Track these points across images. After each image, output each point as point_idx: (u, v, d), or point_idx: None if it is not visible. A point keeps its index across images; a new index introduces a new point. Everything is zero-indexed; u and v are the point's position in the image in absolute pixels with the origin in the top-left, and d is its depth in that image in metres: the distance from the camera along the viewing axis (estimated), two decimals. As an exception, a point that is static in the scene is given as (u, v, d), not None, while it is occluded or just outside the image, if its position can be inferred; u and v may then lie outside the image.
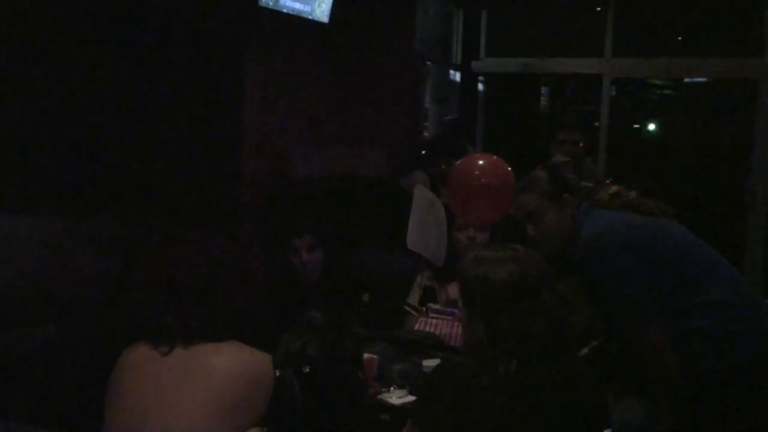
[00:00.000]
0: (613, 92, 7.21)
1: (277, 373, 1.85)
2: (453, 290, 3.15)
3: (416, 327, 3.06)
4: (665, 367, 2.37)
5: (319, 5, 4.60)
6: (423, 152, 4.99)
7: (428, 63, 7.18)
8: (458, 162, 3.50)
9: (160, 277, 2.00)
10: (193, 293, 1.96)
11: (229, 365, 1.88)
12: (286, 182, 4.50)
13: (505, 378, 1.86)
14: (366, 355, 2.42)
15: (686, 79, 8.11)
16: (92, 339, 2.12)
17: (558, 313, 1.95)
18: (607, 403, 1.96)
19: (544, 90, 8.46)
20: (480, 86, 7.55)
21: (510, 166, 3.27)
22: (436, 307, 3.14)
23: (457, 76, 7.56)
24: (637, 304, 2.39)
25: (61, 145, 3.63)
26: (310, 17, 4.57)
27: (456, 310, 3.07)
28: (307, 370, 1.80)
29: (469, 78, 7.43)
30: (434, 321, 3.06)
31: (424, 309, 3.13)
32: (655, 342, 2.37)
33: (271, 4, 4.23)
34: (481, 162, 3.31)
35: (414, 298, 3.29)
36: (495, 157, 3.37)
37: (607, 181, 4.66)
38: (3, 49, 3.43)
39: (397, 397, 2.43)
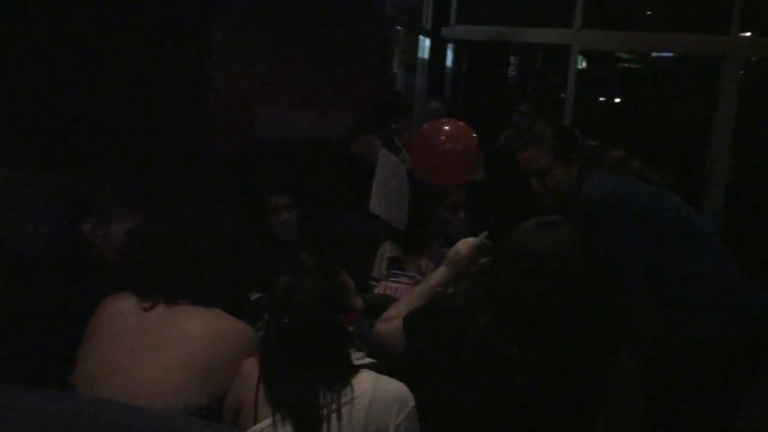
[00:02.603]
0: (582, 64, 7.24)
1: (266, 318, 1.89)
2: (424, 264, 3.16)
3: (376, 291, 3.06)
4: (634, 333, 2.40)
5: (288, -36, 4.54)
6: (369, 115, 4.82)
7: (398, 28, 7.13)
8: (425, 127, 3.50)
9: (158, 237, 2.02)
10: (188, 257, 1.98)
11: (205, 330, 1.89)
12: (253, 144, 4.46)
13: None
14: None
15: (653, 54, 8.16)
16: (45, 293, 2.10)
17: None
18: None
19: (513, 59, 8.46)
20: (449, 53, 7.53)
21: (476, 134, 3.28)
22: (398, 271, 3.15)
23: (426, 42, 7.53)
24: (627, 269, 2.43)
25: (17, 96, 3.54)
26: (279, -24, 4.51)
27: (416, 275, 3.09)
28: (287, 320, 1.82)
29: (439, 44, 7.40)
30: (394, 285, 3.07)
31: (384, 273, 3.14)
32: (634, 310, 2.41)
33: (239, -39, 4.16)
34: (447, 128, 3.32)
35: (378, 270, 3.29)
36: (461, 123, 3.38)
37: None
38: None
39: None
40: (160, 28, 4.09)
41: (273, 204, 3.16)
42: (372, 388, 1.78)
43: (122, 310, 1.93)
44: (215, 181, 4.24)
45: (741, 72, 6.71)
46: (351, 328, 1.92)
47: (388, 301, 2.93)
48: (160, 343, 1.86)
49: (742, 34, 6.70)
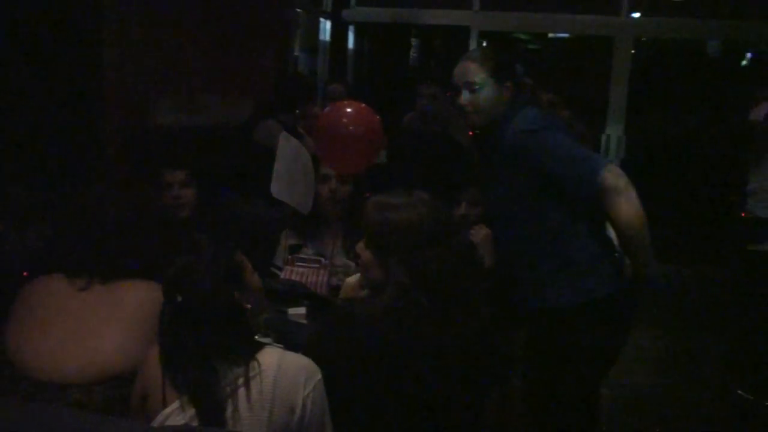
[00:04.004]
0: (482, 45, 7.35)
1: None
2: (319, 246, 3.16)
3: (282, 276, 3.05)
4: (628, 202, 2.41)
5: (182, -55, 4.42)
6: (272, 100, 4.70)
7: (298, 10, 7.06)
8: (326, 110, 3.48)
9: (85, 217, 2.10)
10: (115, 233, 2.06)
11: (142, 300, 1.99)
12: (152, 130, 4.35)
13: (425, 319, 1.91)
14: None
15: (550, 35, 8.36)
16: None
17: (469, 257, 2.00)
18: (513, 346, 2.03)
19: (414, 41, 8.51)
20: (351, 35, 7.52)
21: (378, 116, 3.29)
22: (303, 256, 3.14)
23: (327, 25, 7.49)
24: (584, 156, 2.49)
25: None
26: (173, -43, 4.39)
27: (322, 259, 3.09)
28: (180, 299, 1.81)
29: (340, 27, 7.37)
30: (300, 270, 3.06)
31: (289, 258, 3.12)
32: (612, 179, 2.42)
33: (130, -59, 4.02)
34: (349, 110, 3.31)
35: (280, 259, 3.26)
36: (363, 105, 3.38)
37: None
38: None
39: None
40: (50, 10, 3.93)
41: (166, 180, 3.14)
42: (278, 362, 1.79)
43: (55, 292, 2.00)
44: (113, 168, 4.12)
45: (632, 51, 6.95)
46: (248, 306, 1.91)
47: (295, 287, 2.93)
48: (102, 316, 1.96)
49: (633, 15, 6.94)
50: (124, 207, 2.13)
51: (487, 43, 6.99)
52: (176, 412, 1.73)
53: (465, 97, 2.67)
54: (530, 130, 2.53)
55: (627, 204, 2.41)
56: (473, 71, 2.66)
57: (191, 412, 1.72)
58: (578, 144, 2.55)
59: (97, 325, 1.95)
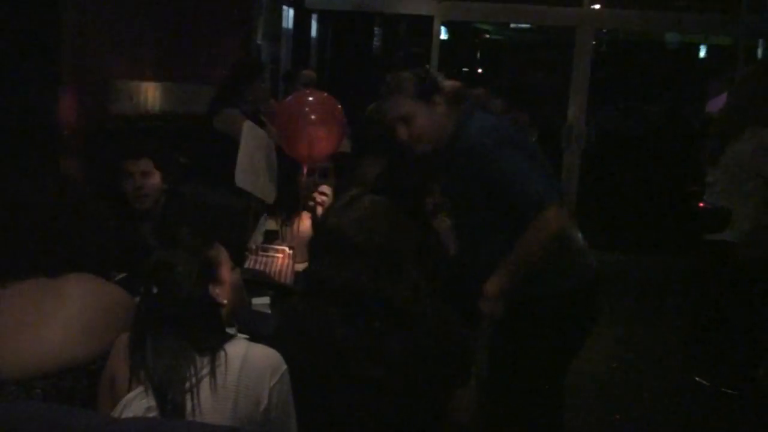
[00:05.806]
0: (445, 35, 7.37)
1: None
2: (291, 233, 3.15)
3: (246, 265, 3.04)
4: (540, 240, 2.41)
5: (142, -71, 4.35)
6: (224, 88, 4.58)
7: (261, -3, 7.00)
8: (288, 99, 3.47)
9: (16, 214, 1.99)
10: (48, 228, 1.97)
11: (84, 293, 1.92)
12: (111, 118, 4.28)
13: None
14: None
15: (512, 25, 8.41)
16: None
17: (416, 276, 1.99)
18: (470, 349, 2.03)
19: (377, 30, 8.50)
20: (314, 24, 7.49)
21: (341, 106, 3.28)
22: (267, 245, 3.13)
23: (290, 13, 7.44)
24: (531, 182, 2.44)
25: None
26: (133, -58, 4.32)
27: (286, 248, 3.08)
28: (156, 290, 1.81)
29: (303, 15, 7.33)
30: (264, 259, 3.05)
31: (254, 247, 3.11)
32: (552, 216, 2.41)
33: (89, -75, 3.95)
34: (311, 99, 3.30)
35: (256, 241, 3.25)
36: (325, 94, 3.37)
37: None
38: None
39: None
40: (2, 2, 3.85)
41: (126, 170, 3.07)
42: (244, 352, 1.80)
43: None
44: (71, 156, 4.05)
45: (593, 42, 7.02)
46: (224, 301, 1.90)
47: (258, 275, 2.92)
48: (43, 312, 1.88)
49: (593, 6, 7.01)
50: (60, 198, 2.05)
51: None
52: (140, 396, 1.73)
53: (402, 131, 2.59)
54: (484, 144, 2.49)
55: (544, 241, 2.42)
56: (400, 103, 2.59)
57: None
58: (532, 166, 2.50)
59: (36, 320, 1.88)
